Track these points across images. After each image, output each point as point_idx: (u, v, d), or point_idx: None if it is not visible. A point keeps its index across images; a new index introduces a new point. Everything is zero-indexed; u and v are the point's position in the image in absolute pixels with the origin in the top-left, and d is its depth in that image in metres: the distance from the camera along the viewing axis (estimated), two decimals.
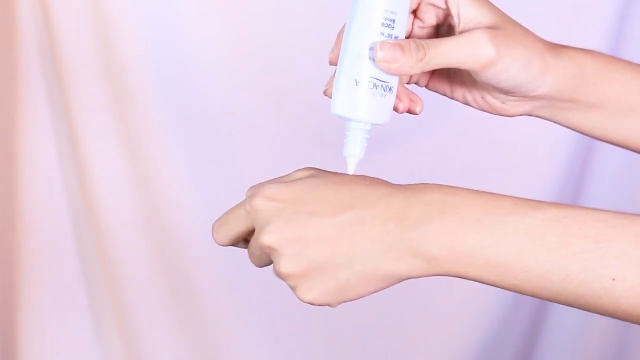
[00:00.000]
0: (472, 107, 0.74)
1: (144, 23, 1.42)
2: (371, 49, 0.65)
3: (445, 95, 0.75)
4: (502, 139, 1.48)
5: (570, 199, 1.51)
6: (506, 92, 0.70)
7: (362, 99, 0.65)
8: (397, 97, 0.68)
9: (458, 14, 0.67)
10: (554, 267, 0.60)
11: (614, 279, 0.59)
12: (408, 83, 0.73)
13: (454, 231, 0.61)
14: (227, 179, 1.47)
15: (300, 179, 0.66)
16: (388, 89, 0.66)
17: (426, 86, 0.75)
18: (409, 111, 0.70)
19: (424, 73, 0.73)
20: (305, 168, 0.68)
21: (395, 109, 0.69)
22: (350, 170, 0.66)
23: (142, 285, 1.51)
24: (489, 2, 0.68)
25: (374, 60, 0.65)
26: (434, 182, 0.65)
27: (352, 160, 0.67)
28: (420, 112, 0.70)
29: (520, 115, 0.74)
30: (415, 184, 0.64)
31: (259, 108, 1.48)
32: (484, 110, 0.74)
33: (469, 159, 1.50)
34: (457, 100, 0.74)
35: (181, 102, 1.47)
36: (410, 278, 0.63)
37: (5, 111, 1.44)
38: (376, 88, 0.65)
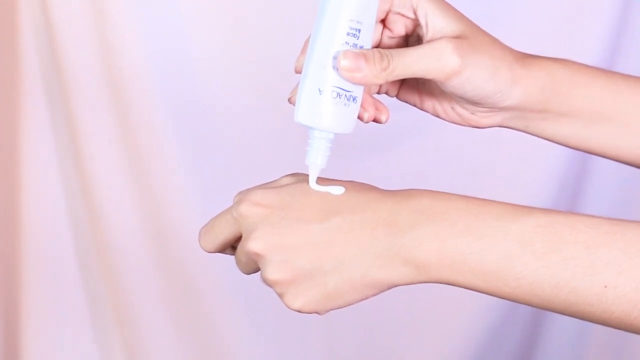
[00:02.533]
0: (442, 118, 0.73)
1: (143, 24, 1.42)
2: (335, 57, 0.64)
3: (415, 106, 0.74)
4: (500, 142, 1.47)
5: (569, 200, 1.50)
6: (474, 102, 0.69)
7: (325, 108, 0.64)
8: (362, 106, 0.67)
9: (426, 24, 0.66)
10: (544, 274, 0.59)
11: (605, 286, 0.58)
12: (378, 93, 0.72)
13: (443, 237, 0.60)
14: (228, 179, 1.46)
15: (288, 184, 0.65)
16: (352, 99, 0.65)
17: (396, 96, 0.74)
18: (375, 120, 0.69)
19: (394, 83, 0.73)
20: (292, 174, 0.67)
21: (360, 118, 0.68)
22: (312, 179, 0.65)
23: (142, 286, 1.51)
24: (458, 11, 0.67)
25: (337, 69, 0.64)
26: (431, 186, 0.64)
27: (314, 169, 0.66)
28: (386, 121, 0.69)
29: (491, 126, 0.73)
30: (405, 190, 0.63)
31: (259, 108, 1.47)
32: (454, 122, 0.73)
33: (467, 161, 1.49)
34: (427, 111, 0.73)
35: (180, 102, 1.47)
36: (399, 285, 0.62)
37: (6, 112, 1.43)
38: (340, 97, 0.64)
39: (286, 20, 1.45)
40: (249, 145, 1.48)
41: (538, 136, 0.75)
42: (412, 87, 0.73)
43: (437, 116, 0.73)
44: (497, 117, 0.72)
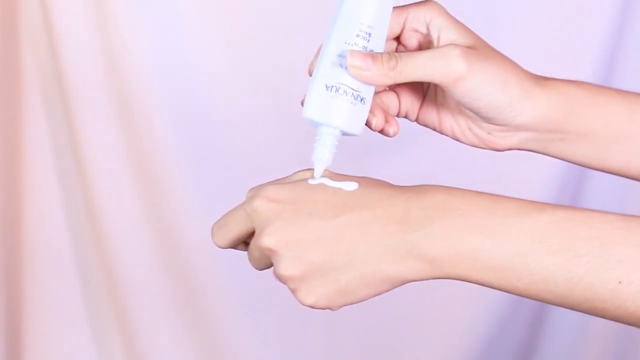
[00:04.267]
0: (461, 141, 0.73)
1: (143, 25, 1.42)
2: (344, 56, 0.66)
3: (435, 129, 0.74)
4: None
5: (570, 202, 1.50)
6: (486, 117, 0.69)
7: (332, 104, 0.66)
8: (372, 111, 0.68)
9: (438, 38, 0.68)
10: (557, 270, 0.59)
11: (620, 282, 0.58)
12: (397, 116, 0.73)
13: (456, 233, 0.60)
14: (230, 180, 1.46)
15: (301, 180, 0.65)
16: (360, 99, 0.66)
17: (416, 120, 0.74)
18: (383, 132, 0.70)
19: (413, 104, 0.73)
20: (305, 169, 0.67)
21: (369, 124, 0.69)
22: (317, 175, 0.66)
23: (142, 287, 1.51)
24: (470, 29, 0.69)
25: (346, 67, 0.65)
26: (435, 183, 0.64)
27: (320, 166, 0.66)
28: (393, 135, 0.70)
29: (510, 149, 0.73)
30: (418, 185, 0.63)
31: (260, 109, 1.47)
32: (472, 145, 0.73)
33: (465, 166, 1.49)
34: (446, 134, 0.74)
35: (181, 103, 1.47)
36: (412, 281, 0.62)
37: (6, 113, 1.43)
38: (346, 95, 0.66)
39: (288, 21, 1.45)
40: (251, 145, 1.48)
41: (558, 157, 0.75)
42: (431, 107, 0.73)
43: (456, 139, 0.74)
44: (515, 138, 0.72)
